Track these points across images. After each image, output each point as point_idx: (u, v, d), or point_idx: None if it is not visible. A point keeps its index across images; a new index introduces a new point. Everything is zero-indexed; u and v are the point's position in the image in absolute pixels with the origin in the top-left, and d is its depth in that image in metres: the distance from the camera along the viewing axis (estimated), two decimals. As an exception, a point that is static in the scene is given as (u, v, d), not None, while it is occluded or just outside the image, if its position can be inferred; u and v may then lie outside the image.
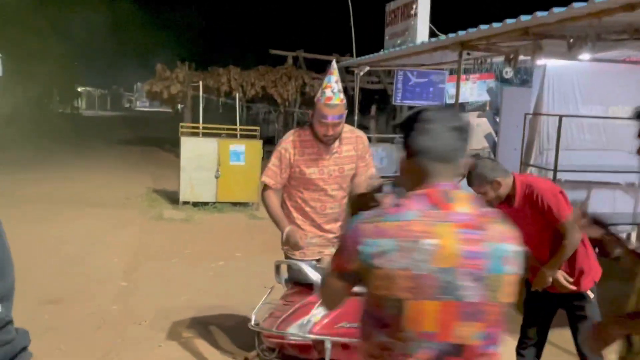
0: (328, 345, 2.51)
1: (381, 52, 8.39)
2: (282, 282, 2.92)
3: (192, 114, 15.82)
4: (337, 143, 3.04)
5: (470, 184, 2.78)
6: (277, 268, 2.92)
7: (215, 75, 15.23)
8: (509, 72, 8.77)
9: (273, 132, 16.67)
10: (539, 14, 4.47)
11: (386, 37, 8.98)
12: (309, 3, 21.99)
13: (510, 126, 7.33)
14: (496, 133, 8.39)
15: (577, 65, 7.02)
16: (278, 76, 15.41)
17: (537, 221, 2.70)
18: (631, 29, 4.25)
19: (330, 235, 3.20)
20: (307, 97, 16.08)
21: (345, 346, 2.61)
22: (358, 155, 3.12)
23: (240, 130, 9.04)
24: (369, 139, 9.29)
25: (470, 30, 5.57)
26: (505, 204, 2.79)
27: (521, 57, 5.85)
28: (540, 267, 2.85)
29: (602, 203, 7.25)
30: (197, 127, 9.02)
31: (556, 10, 4.27)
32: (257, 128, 9.26)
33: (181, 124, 9.16)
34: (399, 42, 8.06)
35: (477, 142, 9.95)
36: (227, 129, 9.17)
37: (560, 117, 6.41)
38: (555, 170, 6.32)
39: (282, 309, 2.68)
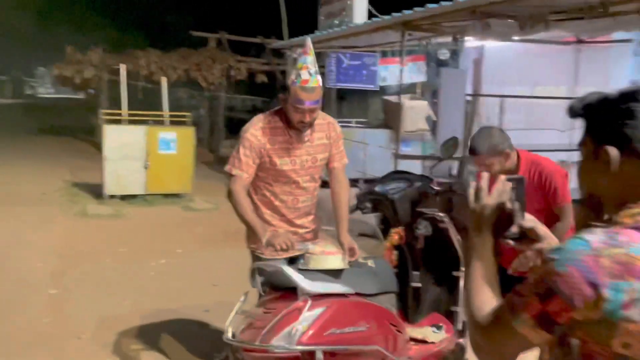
0: (320, 355, 2.25)
1: (318, 34, 8.10)
2: (259, 287, 2.60)
3: (109, 100, 14.77)
4: (309, 131, 2.74)
5: (476, 152, 2.59)
6: (254, 272, 2.59)
7: (133, 59, 14.24)
8: (446, 54, 8.85)
9: (198, 118, 15.93)
10: (493, -8, 4.39)
11: (321, 17, 8.71)
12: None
13: (449, 108, 7.34)
14: (435, 115, 8.40)
15: (512, 46, 7.15)
16: (202, 59, 14.69)
17: (537, 201, 2.57)
18: (586, 6, 4.25)
19: (302, 231, 2.92)
20: (233, 80, 15.50)
21: (334, 354, 2.36)
22: (331, 143, 2.84)
23: (170, 116, 8.45)
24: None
25: (417, 9, 5.43)
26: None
27: (466, 38, 5.79)
28: (516, 250, 2.72)
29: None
30: (121, 114, 8.31)
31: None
32: (188, 114, 8.71)
33: (102, 110, 8.40)
34: (336, 22, 7.81)
35: (412, 124, 10.00)
36: (155, 116, 8.53)
37: (502, 97, 6.49)
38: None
39: (262, 318, 2.37)
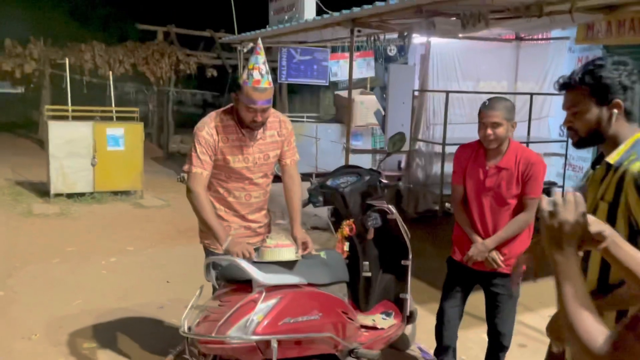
0: (274, 344, 2.33)
1: (269, 29, 8.12)
2: (213, 281, 2.65)
3: (51, 95, 14.27)
4: (261, 129, 2.80)
5: (493, 107, 2.68)
6: (208, 266, 2.63)
7: (77, 52, 13.80)
8: (393, 50, 9.05)
9: (146, 113, 15.60)
10: (437, -9, 4.56)
11: (271, 13, 8.72)
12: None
13: (397, 102, 7.54)
14: (384, 110, 8.59)
15: (457, 43, 7.41)
16: (149, 53, 14.36)
17: (516, 187, 2.70)
18: (523, 6, 4.48)
19: (255, 225, 2.98)
20: (182, 75, 15.26)
21: (289, 342, 2.45)
22: (283, 140, 2.92)
23: (117, 112, 8.27)
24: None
25: (365, 7, 5.55)
26: (484, 158, 2.77)
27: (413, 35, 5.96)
28: (471, 240, 2.88)
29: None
30: (66, 110, 8.07)
31: (454, -12, 4.38)
32: (136, 109, 8.54)
33: (46, 106, 8.14)
34: (286, 17, 7.85)
35: (361, 118, 10.19)
36: (102, 111, 8.34)
37: (447, 92, 6.73)
38: (443, 144, 6.64)
39: (218, 310, 2.42)
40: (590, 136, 1.73)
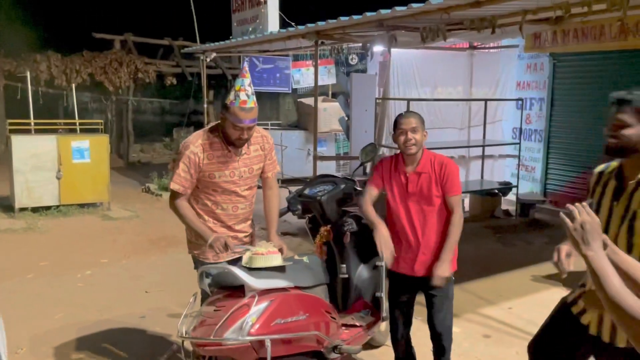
0: (268, 343, 2.52)
1: (234, 40, 8.26)
2: (206, 288, 2.81)
3: (5, 108, 13.93)
4: (243, 146, 2.99)
5: (408, 116, 2.95)
6: (202, 275, 2.80)
7: (32, 62, 13.51)
8: (354, 60, 9.35)
9: (104, 122, 15.37)
10: (398, 8, 4.86)
11: (234, 24, 8.88)
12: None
13: (360, 110, 7.81)
14: (347, 117, 8.88)
15: (415, 52, 7.76)
16: (107, 62, 14.19)
17: (436, 189, 2.93)
18: (477, 20, 4.83)
19: (241, 235, 3.16)
20: (140, 83, 15.14)
21: (281, 342, 2.65)
22: (265, 154, 3.12)
23: (81, 124, 8.23)
24: (208, 125, 9.16)
25: (330, 21, 5.80)
26: (403, 166, 3.01)
27: (375, 47, 6.24)
28: (411, 254, 3.03)
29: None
30: (28, 124, 7.98)
31: (414, 5, 4.69)
32: (101, 121, 8.53)
33: (9, 120, 8.01)
34: (250, 29, 8.03)
35: (325, 124, 10.46)
36: (65, 124, 8.28)
37: (408, 100, 7.05)
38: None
39: (213, 315, 2.60)
40: (627, 149, 2.02)
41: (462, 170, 8.54)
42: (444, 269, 2.92)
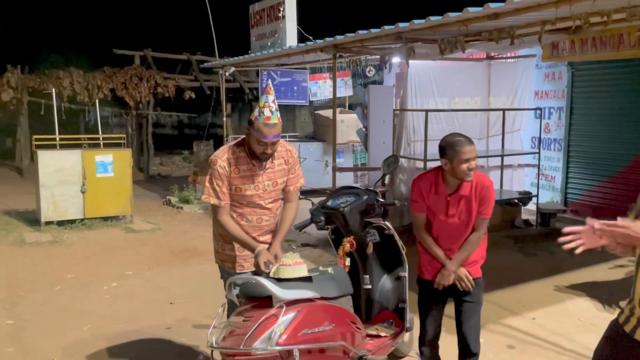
0: (296, 353, 2.57)
1: (253, 54, 8.40)
2: (234, 299, 2.87)
3: (29, 123, 14.27)
4: (269, 159, 3.06)
5: (472, 143, 2.90)
6: (230, 285, 2.86)
7: (55, 79, 13.83)
8: (371, 71, 9.43)
9: (125, 137, 15.63)
10: (416, 21, 4.92)
11: (252, 38, 9.02)
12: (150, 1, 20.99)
13: (378, 121, 7.88)
14: (365, 128, 8.94)
15: (432, 63, 7.81)
16: (127, 77, 14.49)
17: (473, 211, 2.99)
18: (495, 30, 4.87)
19: (265, 247, 3.22)
20: (159, 98, 15.40)
21: (308, 351, 2.69)
22: (289, 168, 3.19)
23: (104, 138, 8.41)
24: (227, 138, 9.18)
25: (348, 34, 5.89)
26: (444, 187, 3.01)
27: (394, 59, 6.30)
28: (438, 264, 3.08)
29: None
30: (54, 139, 8.18)
31: (432, 18, 4.75)
32: (123, 136, 8.70)
33: (35, 136, 8.22)
34: (269, 43, 8.15)
35: (343, 136, 10.52)
36: (89, 138, 8.47)
37: (427, 111, 7.09)
38: (425, 160, 6.99)
39: (242, 325, 2.65)
40: None
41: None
42: (443, 276, 3.03)
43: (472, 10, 4.36)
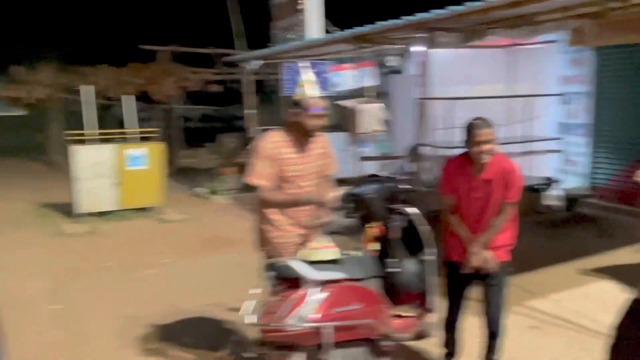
0: (326, 330, 2.76)
1: (273, 48, 8.57)
2: (270, 280, 3.07)
3: (61, 119, 14.74)
4: (309, 144, 3.25)
5: (487, 126, 3.06)
6: (265, 268, 3.06)
7: (86, 75, 14.25)
8: (393, 61, 9.50)
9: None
10: (437, 11, 5.02)
11: (274, 31, 9.17)
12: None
13: (401, 110, 7.98)
14: (388, 117, 9.03)
15: (453, 51, 7.85)
16: (155, 73, 14.83)
17: (495, 194, 3.12)
18: (517, 17, 4.93)
19: (305, 231, 3.41)
20: (186, 92, 15.70)
21: (338, 328, 2.88)
22: (325, 153, 3.38)
23: (139, 132, 8.72)
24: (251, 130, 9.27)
25: (370, 26, 6.00)
26: (470, 170, 3.16)
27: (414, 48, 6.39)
28: (463, 245, 3.24)
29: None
30: (88, 134, 8.50)
31: (453, 8, 4.83)
32: (157, 129, 8.99)
33: (70, 131, 8.56)
34: (291, 36, 8.31)
35: (367, 126, 10.63)
36: (122, 133, 8.78)
37: (454, 99, 7.17)
38: (447, 147, 7.07)
39: (276, 304, 2.85)
40: None
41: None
42: (475, 257, 3.18)
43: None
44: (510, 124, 8.53)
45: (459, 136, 7.69)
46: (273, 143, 3.19)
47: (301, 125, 3.17)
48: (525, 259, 5.64)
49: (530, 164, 8.47)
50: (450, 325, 3.42)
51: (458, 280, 3.35)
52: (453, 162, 3.29)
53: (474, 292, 3.42)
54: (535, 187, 8.03)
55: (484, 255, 3.18)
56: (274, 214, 3.29)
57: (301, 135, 3.23)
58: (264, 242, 3.34)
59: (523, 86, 8.53)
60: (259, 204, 3.31)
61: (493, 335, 3.29)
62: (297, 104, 3.14)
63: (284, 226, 3.29)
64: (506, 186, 3.11)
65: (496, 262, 3.18)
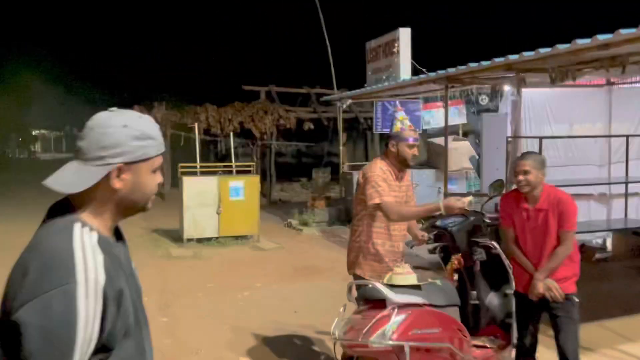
0: (406, 349, 2.97)
1: (369, 87, 9.01)
2: (354, 300, 3.36)
3: (172, 152, 16.09)
4: (403, 174, 3.65)
5: (525, 158, 3.33)
6: (350, 288, 3.36)
7: (193, 114, 15.58)
8: (484, 100, 9.60)
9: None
10: (526, 53, 5.17)
11: (368, 72, 9.65)
12: (275, 39, 22.81)
13: (491, 148, 8.01)
14: (478, 155, 9.08)
15: (547, 90, 7.84)
16: (254, 111, 15.89)
17: (551, 224, 3.24)
18: (608, 58, 4.97)
19: (399, 252, 3.70)
20: (281, 129, 16.59)
21: (417, 349, 3.08)
22: (410, 185, 3.71)
23: (236, 166, 9.45)
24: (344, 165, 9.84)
25: (460, 67, 6.25)
26: (525, 202, 3.33)
27: (505, 88, 6.54)
28: (528, 276, 3.36)
29: (579, 213, 8.02)
30: (195, 167, 9.37)
31: (541, 50, 4.98)
32: (253, 164, 9.70)
33: (180, 164, 9.49)
34: (384, 77, 8.72)
35: (456, 163, 10.71)
36: (224, 166, 9.56)
37: (540, 138, 7.14)
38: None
39: (361, 322, 3.11)
40: None
41: (603, 208, 8.26)
42: (533, 285, 3.31)
43: (581, 42, 4.54)
44: (608, 164, 8.27)
45: (552, 175, 7.63)
46: (382, 170, 3.55)
47: (400, 154, 3.54)
48: (623, 305, 5.47)
49: (632, 207, 8.11)
50: (524, 356, 3.49)
51: (525, 311, 3.45)
52: (509, 195, 3.50)
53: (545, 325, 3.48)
54: (638, 230, 7.66)
55: (547, 283, 3.27)
56: (378, 238, 3.58)
57: (399, 164, 3.59)
58: (358, 264, 3.64)
59: (623, 125, 8.26)
60: (366, 227, 3.61)
61: None
62: (396, 135, 3.52)
63: (382, 249, 3.58)
64: (560, 215, 3.22)
65: (560, 292, 3.25)
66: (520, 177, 3.29)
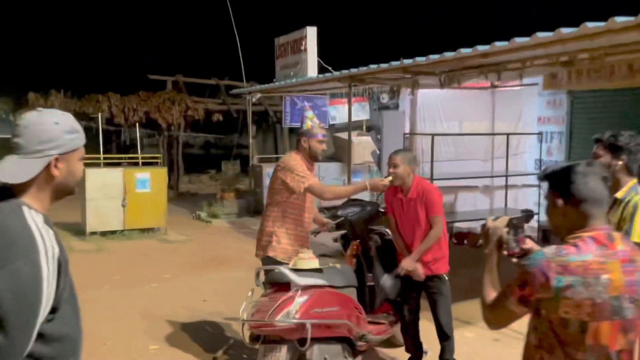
0: (308, 326, 3.29)
1: (278, 83, 9.26)
2: (261, 285, 3.62)
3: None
4: (312, 167, 3.98)
5: (396, 154, 3.76)
6: (257, 273, 3.62)
7: (95, 102, 14.96)
8: (385, 98, 10.21)
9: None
10: (418, 58, 5.69)
11: (277, 68, 9.90)
12: (183, 30, 22.31)
13: (391, 143, 8.60)
14: (379, 150, 9.67)
15: (440, 91, 8.55)
16: (161, 101, 15.54)
17: (419, 211, 3.74)
18: (489, 65, 5.62)
19: (306, 238, 4.05)
20: (189, 120, 16.38)
21: (318, 326, 3.42)
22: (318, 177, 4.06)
23: (142, 157, 9.33)
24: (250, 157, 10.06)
25: (362, 68, 6.69)
26: (400, 193, 3.80)
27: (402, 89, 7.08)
28: (405, 255, 3.85)
29: (465, 203, 8.87)
30: (98, 158, 9.13)
31: (431, 56, 5.51)
32: (160, 155, 9.62)
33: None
34: (292, 73, 9.01)
35: (359, 157, 11.27)
36: (129, 158, 9.40)
37: (433, 135, 7.81)
38: (431, 179, 7.68)
39: (267, 304, 3.39)
40: None
41: (486, 198, 9.17)
42: (406, 262, 3.76)
43: (464, 51, 5.12)
44: (492, 159, 9.17)
45: (444, 169, 8.29)
46: (300, 161, 3.86)
47: (311, 149, 3.88)
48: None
49: (510, 197, 9.07)
50: (407, 329, 3.96)
51: (405, 289, 3.92)
52: (390, 187, 3.91)
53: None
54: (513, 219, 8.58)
55: (413, 265, 3.74)
56: (291, 224, 3.87)
57: (310, 159, 3.92)
58: (272, 247, 3.89)
59: (505, 124, 9.20)
60: (281, 214, 3.87)
61: (443, 337, 3.84)
62: (307, 132, 3.86)
63: (294, 236, 3.88)
64: (427, 203, 3.72)
65: (419, 272, 3.74)
66: (391, 170, 3.75)
